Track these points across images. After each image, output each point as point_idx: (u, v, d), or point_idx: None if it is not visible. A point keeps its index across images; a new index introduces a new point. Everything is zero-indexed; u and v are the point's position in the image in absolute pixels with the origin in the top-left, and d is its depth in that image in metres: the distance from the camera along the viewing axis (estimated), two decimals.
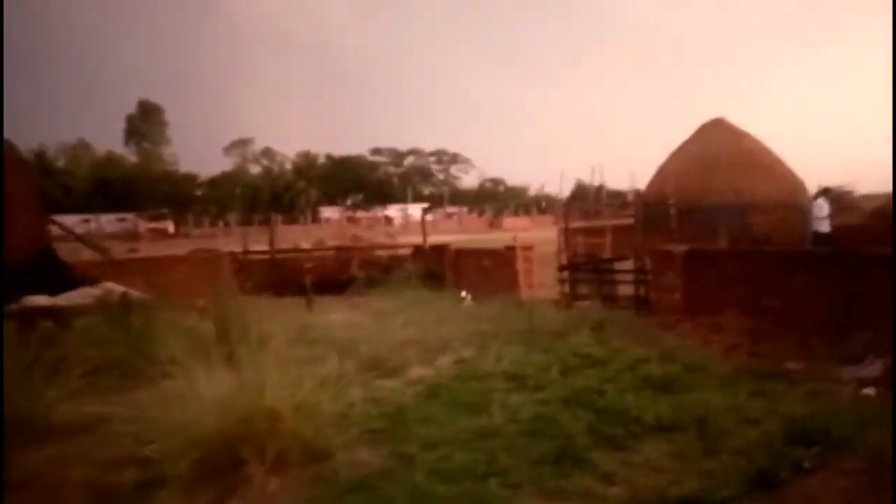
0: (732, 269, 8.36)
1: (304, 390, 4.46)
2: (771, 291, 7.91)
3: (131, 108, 74.74)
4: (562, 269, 10.76)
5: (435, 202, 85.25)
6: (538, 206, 74.49)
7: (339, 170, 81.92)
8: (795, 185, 19.56)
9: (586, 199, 22.97)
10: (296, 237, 32.81)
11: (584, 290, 10.32)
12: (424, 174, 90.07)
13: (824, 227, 14.51)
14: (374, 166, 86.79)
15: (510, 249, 11.44)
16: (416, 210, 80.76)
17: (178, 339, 5.43)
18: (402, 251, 14.55)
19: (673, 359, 6.50)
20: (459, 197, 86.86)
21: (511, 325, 8.58)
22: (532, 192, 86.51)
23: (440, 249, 13.42)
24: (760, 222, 19.09)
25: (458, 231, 51.43)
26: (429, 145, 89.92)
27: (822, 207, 14.68)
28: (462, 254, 12.92)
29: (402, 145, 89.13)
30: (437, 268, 13.00)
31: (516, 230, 50.18)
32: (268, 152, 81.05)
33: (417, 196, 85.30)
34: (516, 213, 70.44)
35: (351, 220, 70.63)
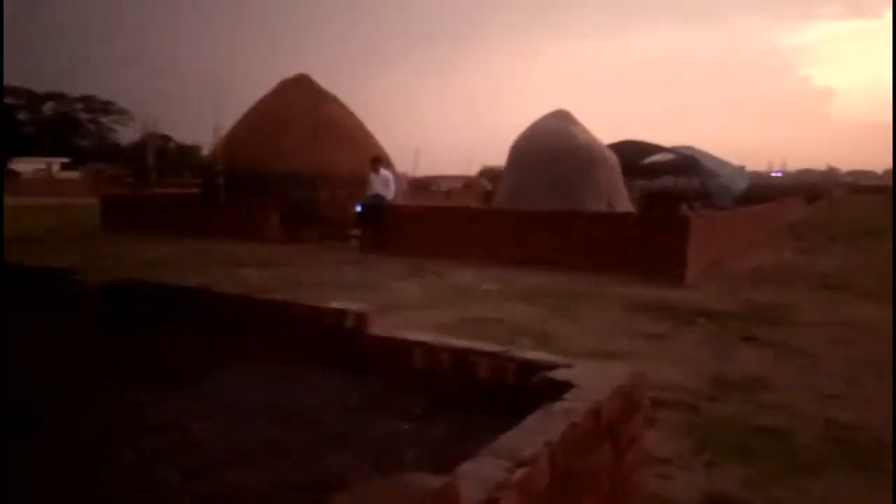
0: None
1: None
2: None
3: None
4: None
5: (86, 156, 72.24)
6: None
7: None
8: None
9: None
10: None
11: None
12: (72, 123, 75.70)
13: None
14: None
15: None
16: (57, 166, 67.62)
17: None
18: None
19: None
20: (119, 153, 74.81)
21: None
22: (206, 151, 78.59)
23: None
24: (331, 196, 17.02)
25: (91, 193, 43.34)
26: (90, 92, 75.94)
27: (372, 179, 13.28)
28: None
29: (41, 87, 73.81)
30: None
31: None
32: None
33: (63, 149, 71.30)
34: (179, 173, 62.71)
35: None
